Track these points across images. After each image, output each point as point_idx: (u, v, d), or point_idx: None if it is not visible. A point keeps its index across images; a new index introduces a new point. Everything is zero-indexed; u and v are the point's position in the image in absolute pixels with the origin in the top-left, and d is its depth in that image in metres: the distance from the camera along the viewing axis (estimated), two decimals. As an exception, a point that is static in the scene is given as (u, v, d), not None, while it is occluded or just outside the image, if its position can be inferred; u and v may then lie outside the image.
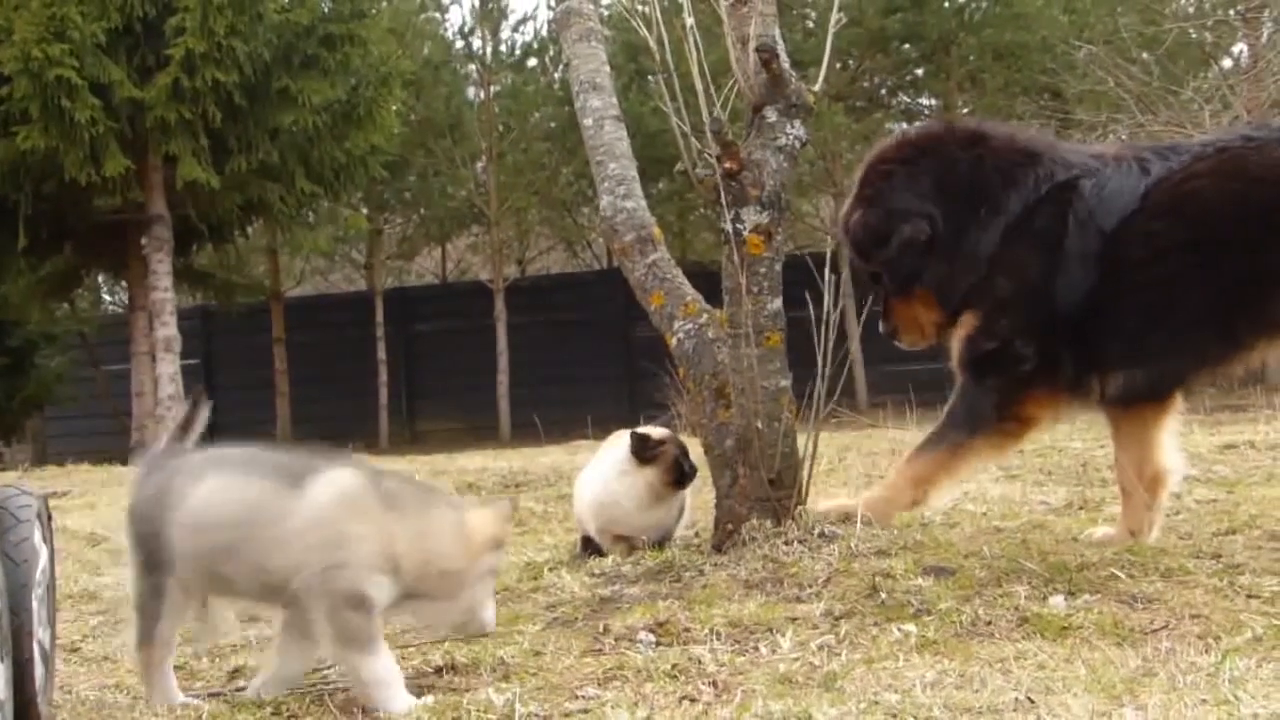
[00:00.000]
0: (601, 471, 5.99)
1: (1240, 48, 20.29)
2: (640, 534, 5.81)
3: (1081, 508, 6.46)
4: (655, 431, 5.96)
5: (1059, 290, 5.10)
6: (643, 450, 5.79)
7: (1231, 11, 19.55)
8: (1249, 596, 4.35)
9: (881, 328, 5.57)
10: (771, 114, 5.38)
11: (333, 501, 3.76)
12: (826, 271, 5.30)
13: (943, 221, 5.24)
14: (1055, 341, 5.14)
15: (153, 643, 3.83)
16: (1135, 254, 5.04)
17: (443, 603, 3.87)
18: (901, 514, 5.39)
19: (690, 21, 5.44)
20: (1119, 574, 4.55)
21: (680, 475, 5.79)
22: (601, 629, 4.30)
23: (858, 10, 21.05)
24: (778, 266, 5.36)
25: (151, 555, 3.79)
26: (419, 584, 3.79)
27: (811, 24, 22.10)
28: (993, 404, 5.21)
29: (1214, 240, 4.98)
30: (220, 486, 3.84)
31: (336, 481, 3.81)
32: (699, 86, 5.33)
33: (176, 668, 4.40)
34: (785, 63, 5.34)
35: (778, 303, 5.34)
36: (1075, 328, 5.11)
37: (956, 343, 5.30)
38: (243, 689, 4.05)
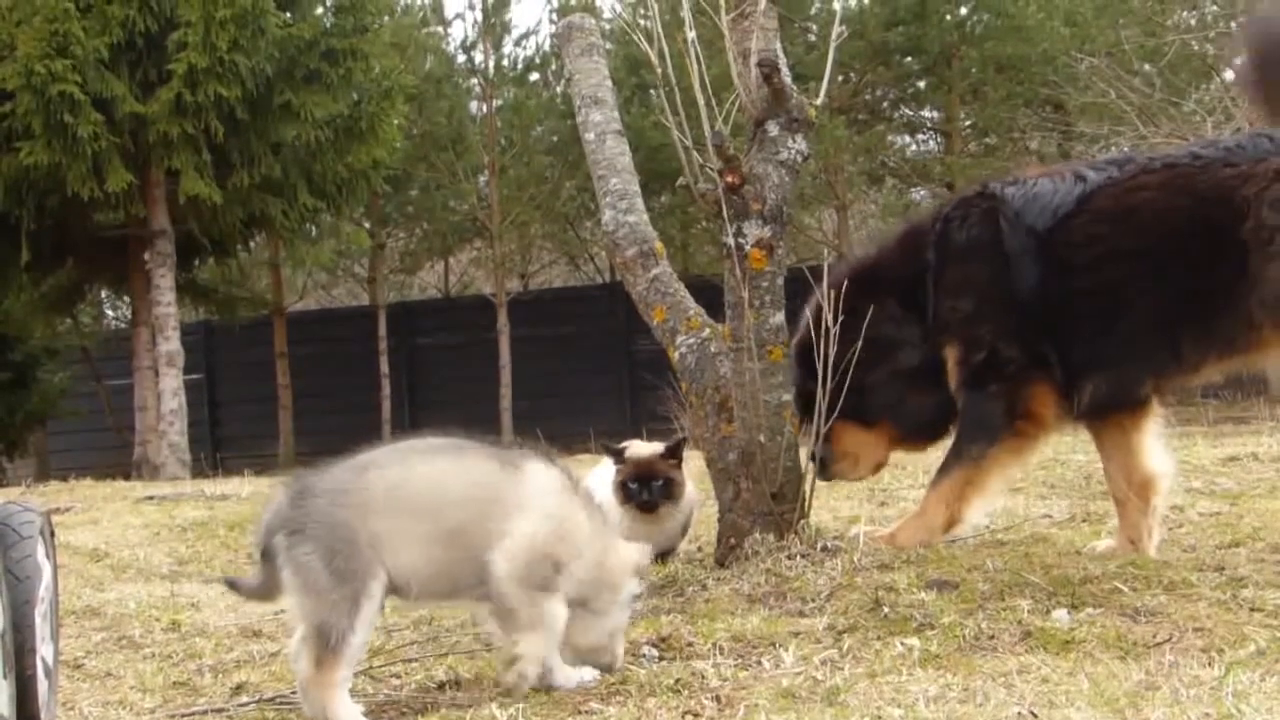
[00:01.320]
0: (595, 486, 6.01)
1: (1242, 59, 20.26)
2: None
3: (1084, 520, 6.45)
4: (640, 448, 5.99)
5: (1015, 288, 5.15)
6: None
7: (1233, 24, 19.55)
8: (1252, 610, 4.34)
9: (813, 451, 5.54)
10: (773, 128, 5.39)
11: (551, 488, 3.88)
12: (825, 285, 5.30)
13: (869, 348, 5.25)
14: (1034, 340, 5.16)
15: (342, 661, 3.66)
16: (1079, 257, 5.09)
17: (594, 618, 3.95)
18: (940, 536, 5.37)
19: (691, 36, 5.45)
20: (1122, 587, 4.55)
21: (626, 497, 5.81)
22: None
23: (859, 23, 21.09)
24: (780, 280, 5.37)
25: (348, 563, 3.67)
26: (585, 589, 3.90)
27: (813, 38, 22.13)
28: (1000, 410, 5.22)
29: (1160, 252, 5.00)
30: (440, 471, 3.87)
31: (550, 471, 3.96)
32: (700, 100, 5.34)
33: (178, 684, 4.41)
34: (787, 77, 5.35)
35: (780, 316, 5.35)
36: (1043, 328, 5.14)
37: (951, 375, 5.31)
38: (245, 705, 4.05)
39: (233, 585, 4.07)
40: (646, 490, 5.81)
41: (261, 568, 3.81)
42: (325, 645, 3.65)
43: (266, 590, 3.84)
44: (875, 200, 23.83)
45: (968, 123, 23.04)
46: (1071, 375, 5.19)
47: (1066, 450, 9.05)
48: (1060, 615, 4.28)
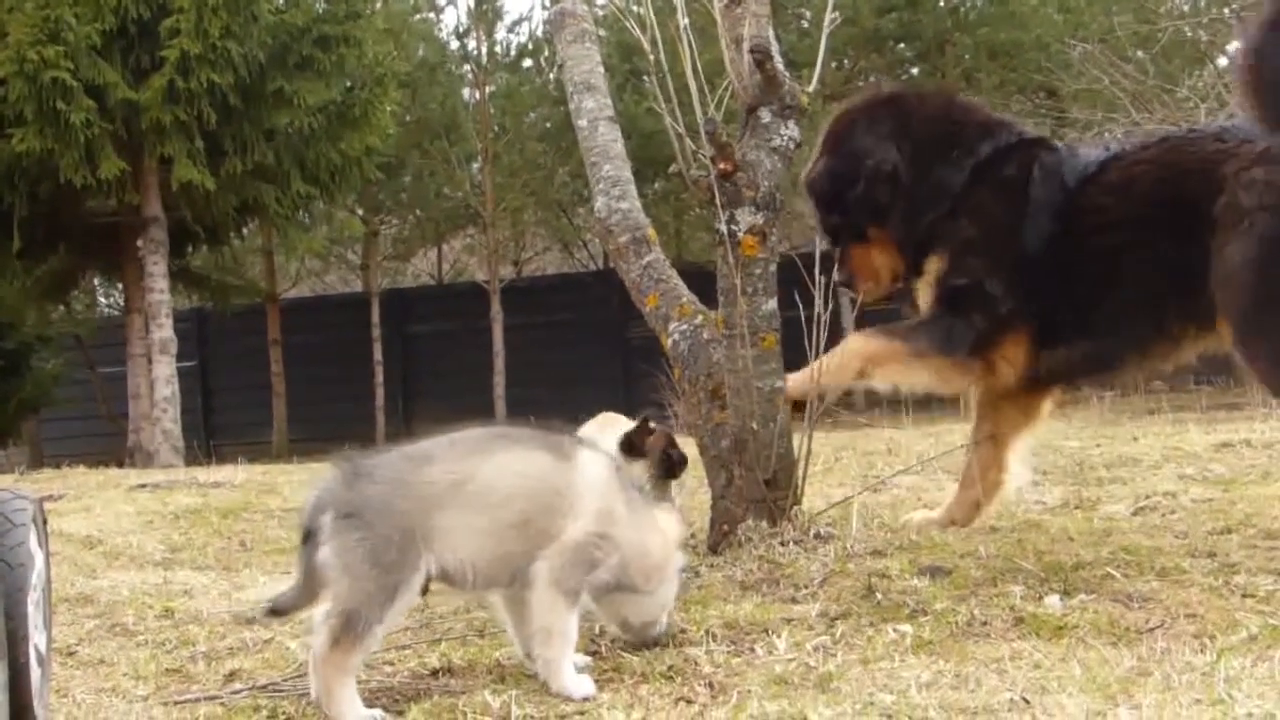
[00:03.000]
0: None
1: (1236, 45, 20.27)
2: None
3: (1078, 507, 6.46)
4: (621, 418, 5.97)
5: (1026, 236, 5.16)
6: (634, 445, 5.78)
7: (1227, 10, 19.55)
8: (1244, 596, 4.35)
9: (836, 275, 5.58)
10: (766, 115, 5.39)
11: (600, 479, 3.90)
12: (817, 271, 5.31)
13: (910, 159, 5.31)
14: (1027, 289, 5.18)
15: (360, 648, 3.64)
16: (1085, 221, 5.11)
17: (643, 598, 3.97)
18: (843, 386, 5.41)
19: (684, 22, 5.45)
20: (1114, 573, 4.56)
21: (669, 467, 5.77)
22: (597, 630, 4.29)
23: (853, 10, 21.05)
24: (772, 267, 5.37)
25: (400, 554, 3.64)
26: (629, 573, 3.90)
27: (806, 24, 22.09)
28: (969, 336, 5.21)
29: (1149, 223, 5.03)
30: (500, 466, 3.84)
31: (598, 459, 3.98)
32: (693, 87, 5.34)
33: (171, 671, 4.41)
34: (779, 64, 5.35)
35: (772, 303, 5.35)
36: (1039, 281, 5.16)
37: (928, 287, 5.31)
38: (239, 692, 4.05)
39: (274, 611, 3.93)
40: (679, 451, 5.80)
41: (301, 553, 3.77)
42: (349, 630, 3.62)
43: (306, 592, 3.79)
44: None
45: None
46: (1052, 335, 5.21)
47: (1059, 436, 9.08)
48: (1053, 601, 4.29)
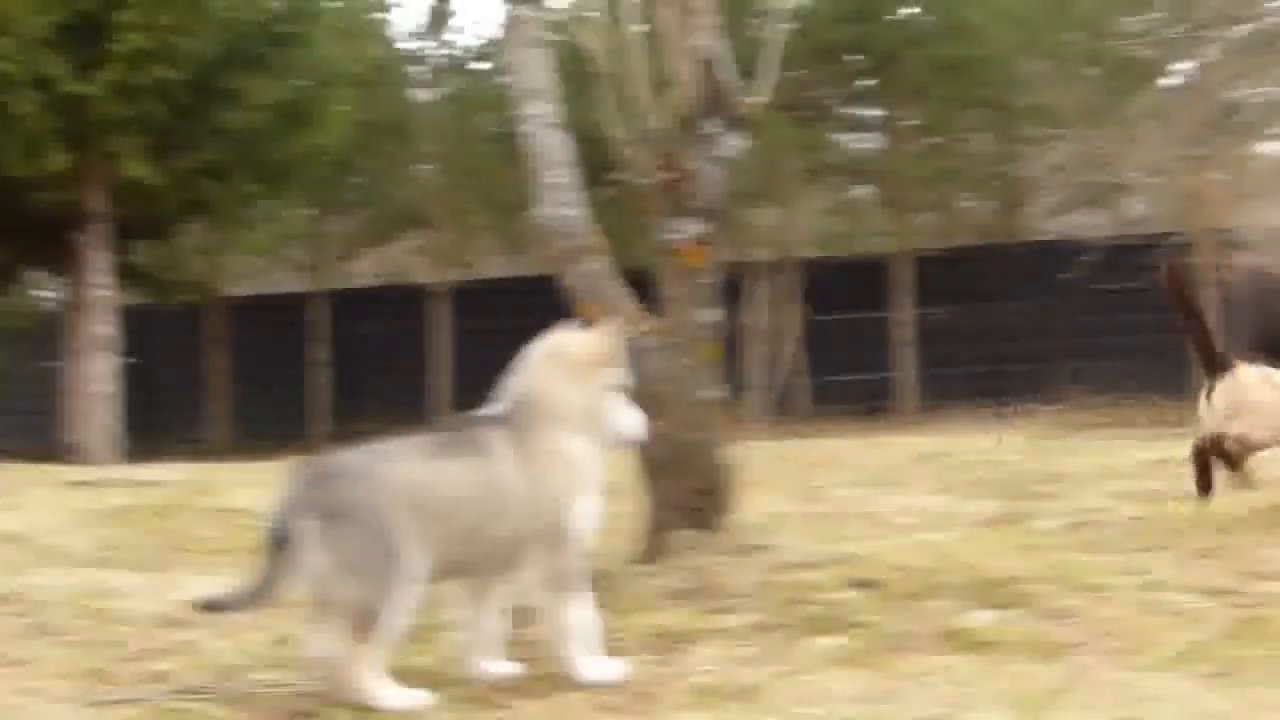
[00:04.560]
0: None
1: (1185, 65, 20.50)
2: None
3: (1011, 521, 6.49)
4: None
5: None
6: None
7: (1179, 30, 19.71)
8: (1171, 613, 4.39)
9: None
10: (711, 125, 5.39)
11: None
12: (740, 284, 5.31)
13: None
14: None
15: (382, 639, 3.70)
16: None
17: None
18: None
19: (634, 31, 5.45)
20: (1042, 589, 4.59)
21: None
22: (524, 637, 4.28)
23: (805, 21, 21.09)
24: (714, 278, 5.37)
25: (394, 546, 3.70)
26: None
27: (757, 34, 22.04)
28: None
29: None
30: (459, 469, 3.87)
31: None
32: (640, 96, 5.34)
33: (96, 671, 4.37)
34: (726, 74, 5.36)
35: (712, 313, 5.36)
36: None
37: None
38: (166, 694, 4.01)
39: (214, 605, 3.95)
40: None
41: (270, 557, 3.76)
42: (368, 625, 3.67)
43: (264, 594, 3.78)
44: (817, 197, 23.87)
45: (912, 122, 23.10)
46: None
47: (998, 451, 9.14)
48: (980, 616, 4.32)
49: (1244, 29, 18.85)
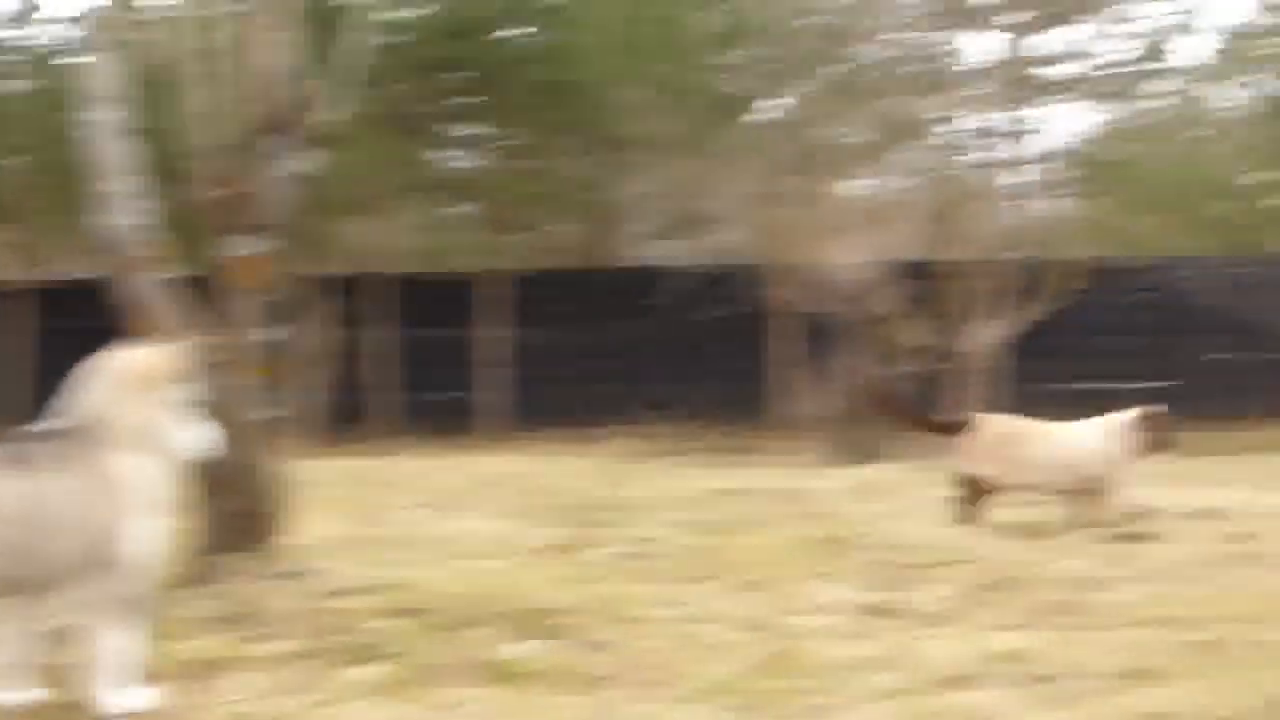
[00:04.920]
0: None
1: (780, 101, 21.29)
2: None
3: (566, 549, 6.52)
4: None
5: None
6: None
7: (773, 67, 20.41)
8: (706, 646, 4.50)
9: None
10: (273, 142, 5.27)
11: None
12: (315, 300, 5.21)
13: None
14: None
15: None
16: None
17: None
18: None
19: (204, 43, 5.29)
20: (584, 620, 4.64)
21: None
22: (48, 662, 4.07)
23: (408, 35, 20.93)
24: (273, 296, 5.25)
25: None
26: None
27: (347, 48, 21.65)
28: None
29: None
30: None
31: None
32: (208, 109, 5.19)
33: None
34: (295, 91, 5.25)
35: (271, 331, 5.24)
36: None
37: None
38: None
39: None
40: None
41: None
42: None
43: None
44: (414, 214, 23.70)
45: (512, 142, 23.23)
46: None
47: (570, 475, 9.24)
48: (519, 647, 4.34)
49: (833, 71, 19.68)
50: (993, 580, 5.74)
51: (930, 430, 8.16)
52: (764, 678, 4.19)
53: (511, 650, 4.29)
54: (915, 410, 7.99)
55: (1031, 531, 7.10)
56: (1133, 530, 6.98)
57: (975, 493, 7.52)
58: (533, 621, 4.60)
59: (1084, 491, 7.52)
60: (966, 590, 5.57)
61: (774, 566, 5.98)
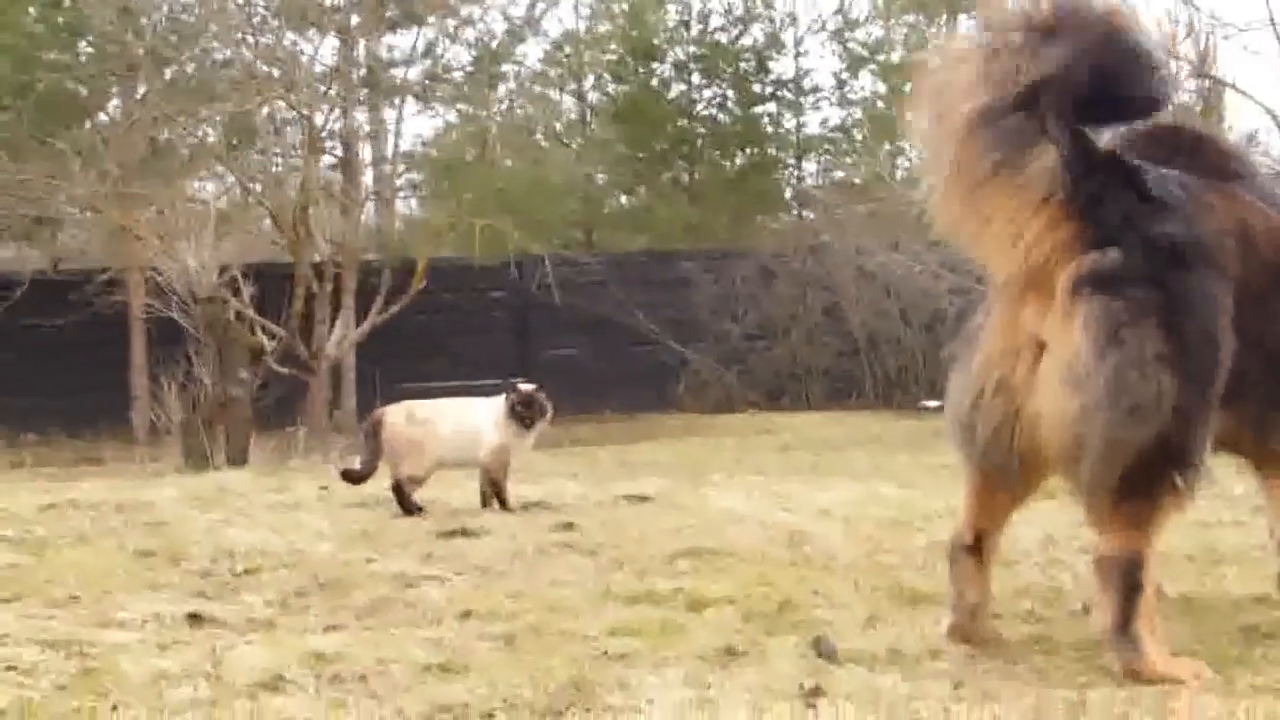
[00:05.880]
0: None
1: (115, 103, 20.73)
2: None
3: None
4: None
5: None
6: None
7: (109, 66, 19.79)
8: (3, 668, 4.31)
9: None
10: None
11: None
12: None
13: None
14: None
15: None
16: None
17: None
18: None
19: None
20: None
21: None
22: None
23: None
24: None
25: None
26: None
27: None
28: None
29: None
30: None
31: None
32: None
33: None
34: None
35: None
36: None
37: None
38: None
39: None
40: None
41: None
42: None
43: None
44: None
45: None
46: None
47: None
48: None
49: (179, 71, 19.30)
50: (318, 583, 5.83)
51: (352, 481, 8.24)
52: (70, 698, 4.06)
53: None
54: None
55: (365, 532, 7.21)
56: (464, 525, 7.24)
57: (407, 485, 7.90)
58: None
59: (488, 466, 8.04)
60: (288, 595, 5.62)
61: (91, 583, 5.78)
